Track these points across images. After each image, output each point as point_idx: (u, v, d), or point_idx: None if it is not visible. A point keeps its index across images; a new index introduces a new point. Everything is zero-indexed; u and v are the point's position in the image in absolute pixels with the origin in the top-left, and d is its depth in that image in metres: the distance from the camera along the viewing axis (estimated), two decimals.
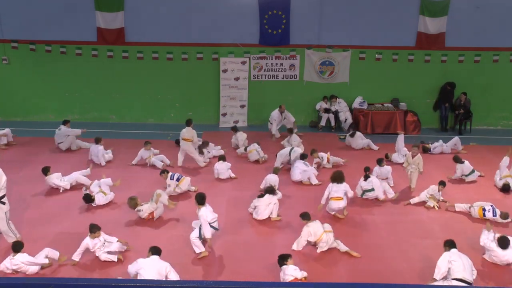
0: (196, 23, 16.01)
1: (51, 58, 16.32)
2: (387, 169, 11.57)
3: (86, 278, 7.38)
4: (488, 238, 8.46)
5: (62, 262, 8.11)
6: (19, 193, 10.73)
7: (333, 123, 16.36)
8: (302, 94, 16.75)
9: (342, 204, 9.84)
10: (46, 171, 11.03)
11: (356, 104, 16.44)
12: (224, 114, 16.62)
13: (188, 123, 12.73)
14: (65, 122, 13.96)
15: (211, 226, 8.40)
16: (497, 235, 8.48)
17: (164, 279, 7.07)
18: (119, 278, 7.31)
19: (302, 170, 11.70)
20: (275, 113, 15.33)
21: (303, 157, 12.06)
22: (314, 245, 8.74)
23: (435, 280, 7.56)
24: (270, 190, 9.98)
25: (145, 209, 9.66)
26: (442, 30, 16.18)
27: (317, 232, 8.64)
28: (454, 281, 7.37)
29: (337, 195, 9.78)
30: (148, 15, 15.96)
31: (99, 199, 10.32)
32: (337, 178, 9.85)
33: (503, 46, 16.33)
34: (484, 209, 9.99)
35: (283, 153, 12.57)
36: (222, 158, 12.11)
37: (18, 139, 14.33)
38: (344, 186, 9.85)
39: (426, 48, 16.37)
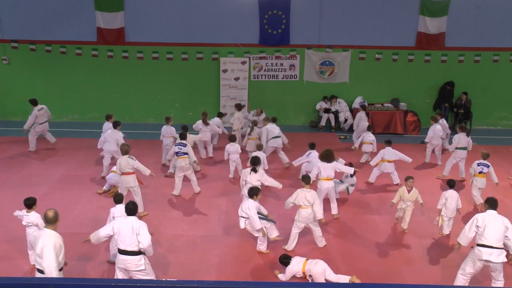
0: (196, 23, 16.01)
1: (51, 58, 16.33)
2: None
3: (86, 278, 7.38)
4: None
5: None
6: (19, 194, 10.71)
7: (333, 123, 16.38)
8: (302, 94, 16.75)
9: (331, 184, 9.71)
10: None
11: (356, 104, 16.43)
12: (224, 114, 16.60)
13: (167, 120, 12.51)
14: (33, 102, 13.45)
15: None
16: None
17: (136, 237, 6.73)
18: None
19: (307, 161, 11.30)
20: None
21: (313, 146, 11.42)
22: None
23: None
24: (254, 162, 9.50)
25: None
26: (442, 30, 16.19)
27: (298, 196, 8.46)
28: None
29: (326, 175, 9.63)
30: (148, 15, 15.97)
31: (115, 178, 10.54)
32: (326, 156, 9.70)
33: (503, 46, 16.34)
34: (481, 172, 10.23)
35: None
36: (232, 139, 11.79)
37: (19, 139, 14.33)
38: (334, 165, 9.72)
39: (426, 48, 16.38)
